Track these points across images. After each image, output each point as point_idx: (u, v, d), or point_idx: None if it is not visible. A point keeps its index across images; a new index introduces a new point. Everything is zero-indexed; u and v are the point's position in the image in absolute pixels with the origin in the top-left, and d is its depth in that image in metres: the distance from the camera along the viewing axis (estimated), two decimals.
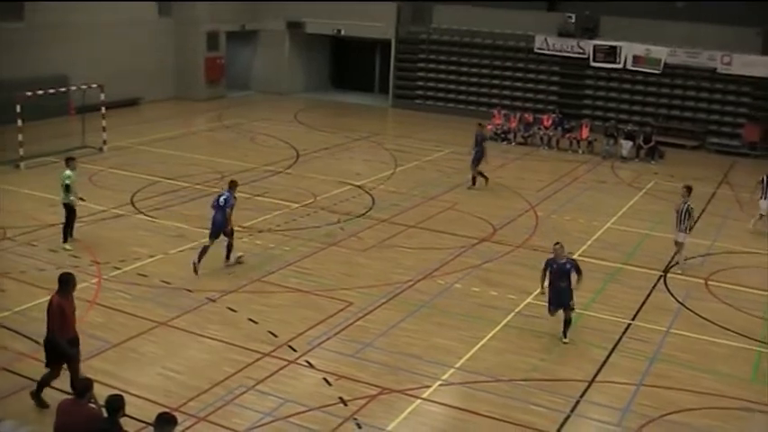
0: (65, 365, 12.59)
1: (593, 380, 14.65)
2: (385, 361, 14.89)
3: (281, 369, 14.37)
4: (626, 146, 32.86)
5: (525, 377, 14.34)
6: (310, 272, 19.07)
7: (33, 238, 20.33)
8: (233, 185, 18.87)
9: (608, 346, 15.99)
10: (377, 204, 24.64)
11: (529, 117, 35.72)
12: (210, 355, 14.91)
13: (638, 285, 19.24)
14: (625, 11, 37.28)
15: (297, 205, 23.90)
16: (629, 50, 37.27)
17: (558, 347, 15.81)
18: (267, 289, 17.92)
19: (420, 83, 42.33)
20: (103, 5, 36.37)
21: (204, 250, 18.48)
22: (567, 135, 34.61)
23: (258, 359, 14.67)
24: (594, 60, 38.06)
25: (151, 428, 9.78)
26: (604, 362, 15.35)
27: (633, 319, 17.30)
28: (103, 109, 29.87)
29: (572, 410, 13.60)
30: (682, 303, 18.30)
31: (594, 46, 37.90)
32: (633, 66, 37.39)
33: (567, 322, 15.94)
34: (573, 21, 38.46)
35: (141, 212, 22.72)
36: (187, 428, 12.36)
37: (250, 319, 16.26)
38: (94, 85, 29.85)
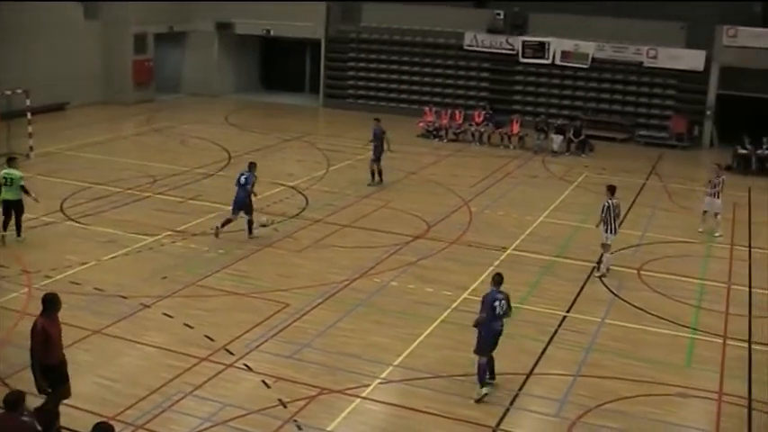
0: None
1: (530, 372, 14.79)
2: (323, 361, 14.84)
3: (218, 373, 14.21)
4: (557, 140, 33.29)
5: (464, 372, 14.37)
6: (246, 274, 18.93)
7: None
8: (252, 166, 21.48)
9: (544, 338, 16.16)
10: (311, 204, 24.56)
11: (459, 114, 35.93)
12: (147, 361, 14.69)
13: (572, 277, 19.48)
14: (553, 7, 37.85)
15: (230, 207, 23.63)
16: (558, 46, 37.83)
17: None
18: (202, 293, 17.71)
19: (351, 82, 42.38)
20: (27, 6, 35.46)
21: (227, 221, 21.11)
22: (499, 131, 34.93)
23: (195, 364, 14.49)
24: (524, 56, 38.53)
25: None
26: (541, 354, 15.51)
27: (568, 311, 17.52)
28: (29, 114, 29.14)
29: (511, 403, 13.71)
30: (615, 294, 18.58)
31: (523, 42, 38.35)
32: (562, 61, 37.97)
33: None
34: (502, 18, 38.87)
35: (72, 219, 22.28)
36: None
37: (186, 324, 16.04)
38: (19, 91, 29.23)
